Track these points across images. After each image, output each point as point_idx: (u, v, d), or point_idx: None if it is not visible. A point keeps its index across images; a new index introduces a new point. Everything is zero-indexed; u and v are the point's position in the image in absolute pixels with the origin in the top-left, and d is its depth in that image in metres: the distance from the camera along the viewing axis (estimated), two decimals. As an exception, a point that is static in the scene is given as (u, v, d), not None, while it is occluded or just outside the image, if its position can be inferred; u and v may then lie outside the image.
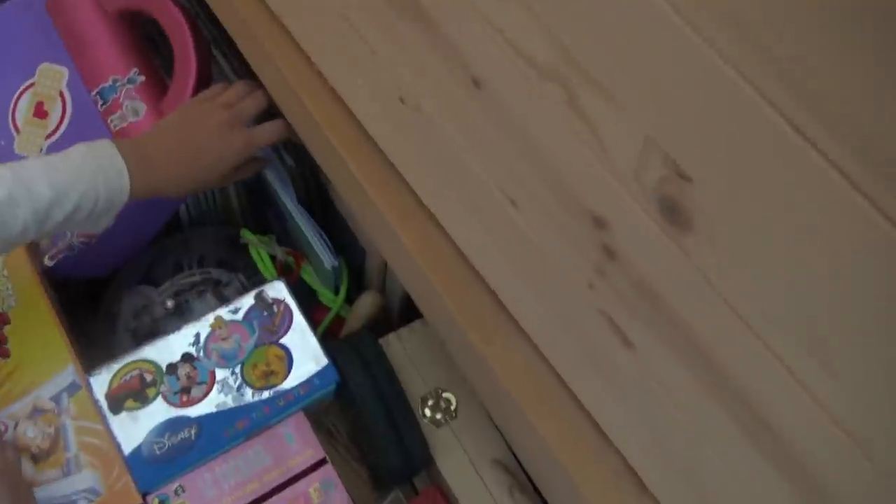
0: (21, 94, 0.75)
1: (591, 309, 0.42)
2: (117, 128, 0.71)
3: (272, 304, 0.66)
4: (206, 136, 0.65)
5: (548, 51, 0.35)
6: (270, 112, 0.70)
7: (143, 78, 0.72)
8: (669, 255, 0.34)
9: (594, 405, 0.47)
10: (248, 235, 0.78)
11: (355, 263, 0.79)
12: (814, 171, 0.26)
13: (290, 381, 0.63)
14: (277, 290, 0.67)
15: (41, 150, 0.74)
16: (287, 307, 0.66)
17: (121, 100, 0.71)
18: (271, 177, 0.77)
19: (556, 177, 0.38)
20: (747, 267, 0.31)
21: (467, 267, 0.53)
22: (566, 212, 0.39)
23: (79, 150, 0.59)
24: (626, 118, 0.32)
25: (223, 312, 0.65)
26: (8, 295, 0.65)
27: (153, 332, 0.77)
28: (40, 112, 0.74)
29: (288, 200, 0.75)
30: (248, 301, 0.66)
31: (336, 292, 0.78)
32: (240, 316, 0.65)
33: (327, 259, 0.73)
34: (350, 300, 0.79)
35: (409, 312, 0.73)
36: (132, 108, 0.71)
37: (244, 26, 0.64)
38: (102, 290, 0.82)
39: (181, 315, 0.76)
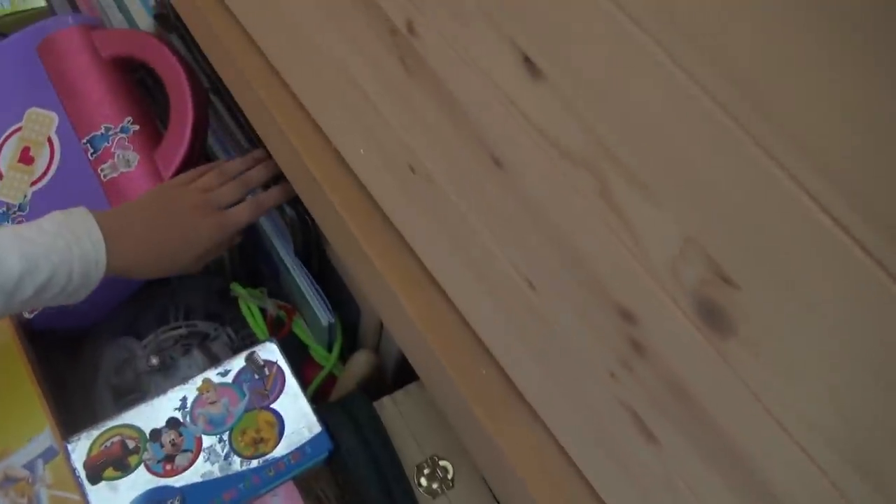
0: (7, 138, 0.72)
1: (611, 399, 0.40)
2: (107, 178, 0.69)
3: (263, 366, 0.63)
4: (175, 217, 0.63)
5: (580, 139, 0.33)
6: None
7: (136, 127, 0.70)
8: (706, 358, 0.32)
9: (609, 493, 0.44)
10: (238, 289, 0.75)
11: (349, 320, 0.77)
12: (875, 285, 0.25)
13: (281, 450, 0.60)
14: (269, 351, 0.64)
15: (25, 196, 0.71)
16: (279, 369, 0.63)
17: (112, 149, 0.69)
18: (268, 227, 0.74)
19: (581, 265, 0.37)
20: (795, 377, 0.29)
21: (474, 339, 0.51)
22: (591, 301, 0.37)
23: (53, 220, 0.56)
24: (665, 215, 0.31)
25: (212, 375, 0.62)
26: (-16, 353, 0.61)
27: (135, 388, 0.73)
28: (26, 158, 0.71)
29: (284, 253, 0.73)
30: (238, 363, 0.63)
31: (329, 349, 0.76)
32: (229, 378, 0.62)
33: (324, 316, 0.71)
34: (343, 357, 0.76)
35: (404, 373, 0.70)
36: (124, 157, 0.68)
37: (244, 81, 0.63)
38: (83, 338, 0.79)
39: (165, 371, 0.73)
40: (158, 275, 0.64)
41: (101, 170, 0.69)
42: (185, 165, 0.70)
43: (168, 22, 0.79)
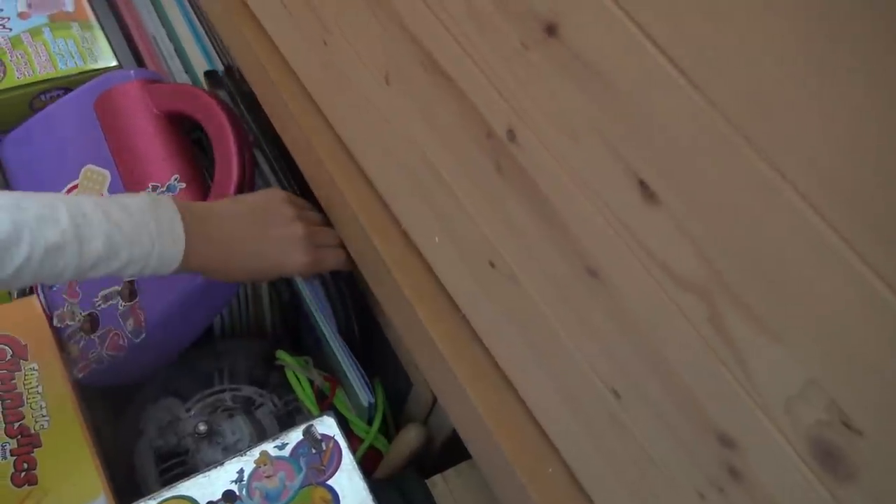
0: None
1: (697, 516, 0.39)
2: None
3: (321, 440, 0.63)
4: (273, 240, 0.63)
5: (693, 266, 0.33)
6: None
7: (183, 185, 0.70)
8: (816, 497, 0.31)
9: None
10: (285, 358, 0.75)
11: (397, 387, 0.76)
12: None
13: (334, 529, 0.59)
14: (327, 425, 0.63)
15: (82, 255, 0.71)
16: (336, 444, 0.63)
17: (159, 208, 0.69)
18: (311, 302, 0.75)
19: (678, 385, 0.37)
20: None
21: (541, 435, 0.50)
22: (685, 421, 0.37)
23: (141, 207, 0.55)
24: (785, 354, 0.31)
25: (269, 447, 0.62)
26: (41, 415, 0.61)
27: (178, 451, 0.73)
28: (83, 215, 0.72)
29: (327, 328, 0.73)
30: (296, 436, 0.63)
31: (370, 423, 0.75)
32: (287, 452, 0.62)
33: (364, 396, 0.71)
34: (386, 428, 0.76)
35: (454, 447, 0.70)
36: (168, 217, 0.68)
37: (314, 156, 0.63)
38: (126, 397, 0.79)
39: (210, 436, 0.73)
40: (228, 279, 0.64)
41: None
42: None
43: (216, 78, 0.80)
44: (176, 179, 0.71)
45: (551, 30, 0.35)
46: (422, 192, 0.53)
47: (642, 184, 0.34)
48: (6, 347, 0.65)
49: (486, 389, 0.53)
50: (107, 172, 0.74)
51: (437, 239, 0.53)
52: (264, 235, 0.62)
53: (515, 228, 0.44)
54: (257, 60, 0.67)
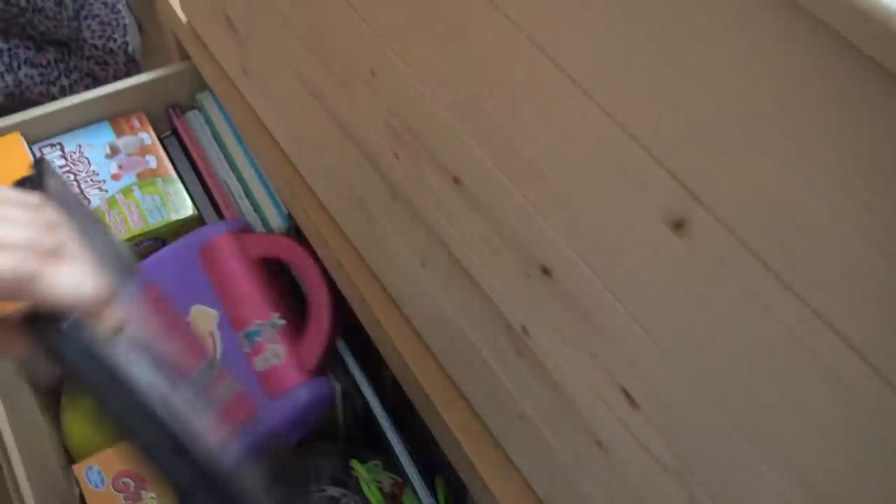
0: (177, 333, 0.85)
1: None
2: (261, 369, 0.80)
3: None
4: None
5: (669, 456, 0.42)
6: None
7: (283, 322, 0.82)
8: None
9: None
10: (358, 468, 0.85)
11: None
12: None
13: None
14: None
15: (200, 387, 0.83)
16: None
17: (264, 343, 0.80)
18: (378, 412, 0.84)
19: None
20: None
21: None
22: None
23: None
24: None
25: (348, 554, 0.72)
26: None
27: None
28: (196, 351, 0.84)
29: (392, 436, 0.82)
30: (372, 540, 0.73)
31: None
32: (365, 557, 0.72)
33: (426, 499, 0.80)
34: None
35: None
36: (273, 351, 0.80)
37: (374, 320, 0.73)
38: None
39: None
40: None
41: (256, 361, 0.80)
42: (325, 356, 0.81)
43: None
44: (276, 317, 0.82)
45: (546, 271, 0.45)
46: (461, 358, 0.62)
47: (625, 391, 0.43)
48: None
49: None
50: (214, 312, 0.85)
51: (480, 395, 0.63)
52: None
53: (536, 399, 0.53)
54: (316, 228, 0.78)
